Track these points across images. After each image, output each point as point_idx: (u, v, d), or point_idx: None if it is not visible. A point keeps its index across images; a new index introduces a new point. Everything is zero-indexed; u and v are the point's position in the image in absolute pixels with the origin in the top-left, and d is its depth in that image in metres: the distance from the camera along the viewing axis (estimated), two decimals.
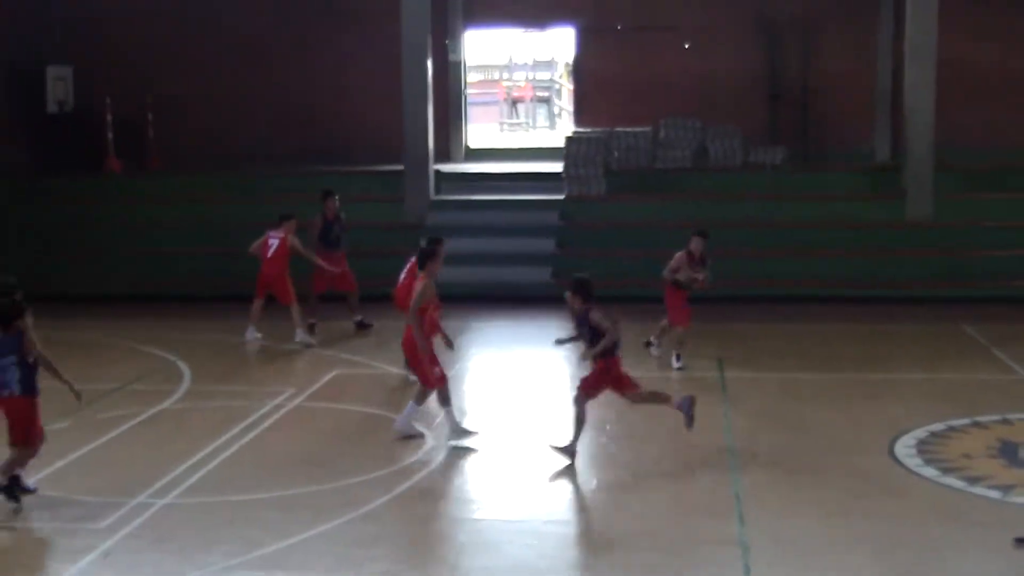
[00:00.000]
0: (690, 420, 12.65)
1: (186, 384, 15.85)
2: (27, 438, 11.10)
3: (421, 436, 13.20)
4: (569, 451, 12.41)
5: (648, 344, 16.90)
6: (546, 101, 40.05)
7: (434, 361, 13.18)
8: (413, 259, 16.07)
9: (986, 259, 21.54)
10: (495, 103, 40.25)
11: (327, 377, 16.20)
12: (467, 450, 12.91)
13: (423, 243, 16.30)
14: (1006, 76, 25.56)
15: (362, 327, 18.90)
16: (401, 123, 22.85)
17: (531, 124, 38.99)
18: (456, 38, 27.32)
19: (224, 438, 13.27)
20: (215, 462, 12.49)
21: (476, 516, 11.20)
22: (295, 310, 18.21)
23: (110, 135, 25.79)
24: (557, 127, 37.18)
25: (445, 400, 13.25)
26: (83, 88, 26.27)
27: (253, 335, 18.43)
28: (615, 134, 24.35)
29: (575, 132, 25.56)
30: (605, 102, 26.82)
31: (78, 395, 11.24)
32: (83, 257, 23.23)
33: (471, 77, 31.89)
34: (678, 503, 11.26)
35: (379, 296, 18.38)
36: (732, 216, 22.61)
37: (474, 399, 15.53)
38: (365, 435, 13.50)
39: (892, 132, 25.55)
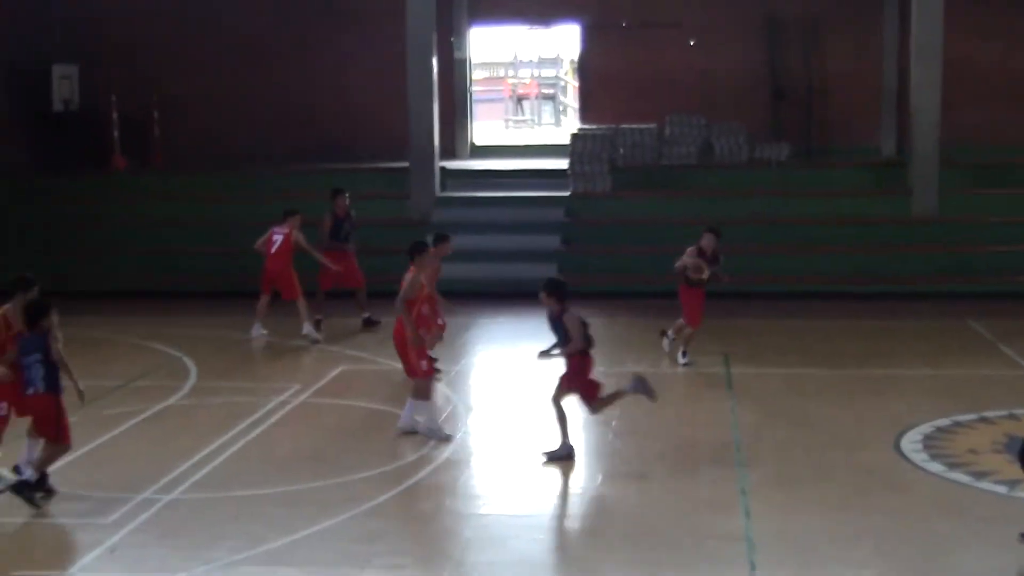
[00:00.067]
0: (651, 393, 12.64)
1: (191, 380, 15.87)
2: (58, 434, 11.14)
3: (448, 436, 13.17)
4: (564, 453, 12.39)
5: (663, 333, 16.81)
6: (551, 98, 40.06)
7: (422, 354, 13.19)
8: None
9: (991, 255, 21.53)
10: (500, 100, 40.28)
11: (333, 373, 16.21)
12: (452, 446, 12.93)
13: (430, 239, 16.35)
14: (1010, 74, 25.54)
15: (369, 324, 18.91)
16: (406, 120, 22.85)
17: (536, 121, 39.00)
18: (461, 35, 27.33)
19: (230, 434, 13.28)
20: (220, 458, 12.51)
21: (481, 511, 11.20)
22: (301, 304, 18.23)
23: (115, 133, 25.80)
24: (562, 124, 37.17)
25: (424, 396, 13.23)
26: (88, 87, 26.30)
27: (259, 331, 18.45)
28: (620, 131, 24.35)
29: (580, 129, 25.55)
30: (610, 99, 26.82)
31: (81, 395, 11.25)
32: (88, 254, 23.27)
33: (476, 74, 31.88)
34: (683, 498, 11.25)
35: (385, 293, 18.37)
36: (737, 212, 22.60)
37: (479, 395, 15.54)
38: (370, 431, 13.51)
39: (897, 129, 25.54)
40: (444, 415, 14.03)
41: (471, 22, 27.65)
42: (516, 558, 10.02)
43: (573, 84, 35.33)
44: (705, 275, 16.10)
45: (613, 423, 13.77)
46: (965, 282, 20.98)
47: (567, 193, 23.51)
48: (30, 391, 11.04)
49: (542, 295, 12.44)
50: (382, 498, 11.32)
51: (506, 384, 16.14)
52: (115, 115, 25.80)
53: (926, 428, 13.22)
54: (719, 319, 18.46)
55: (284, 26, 27.12)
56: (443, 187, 23.69)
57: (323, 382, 15.74)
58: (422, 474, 12.00)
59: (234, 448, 12.85)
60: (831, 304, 20.52)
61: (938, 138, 22.00)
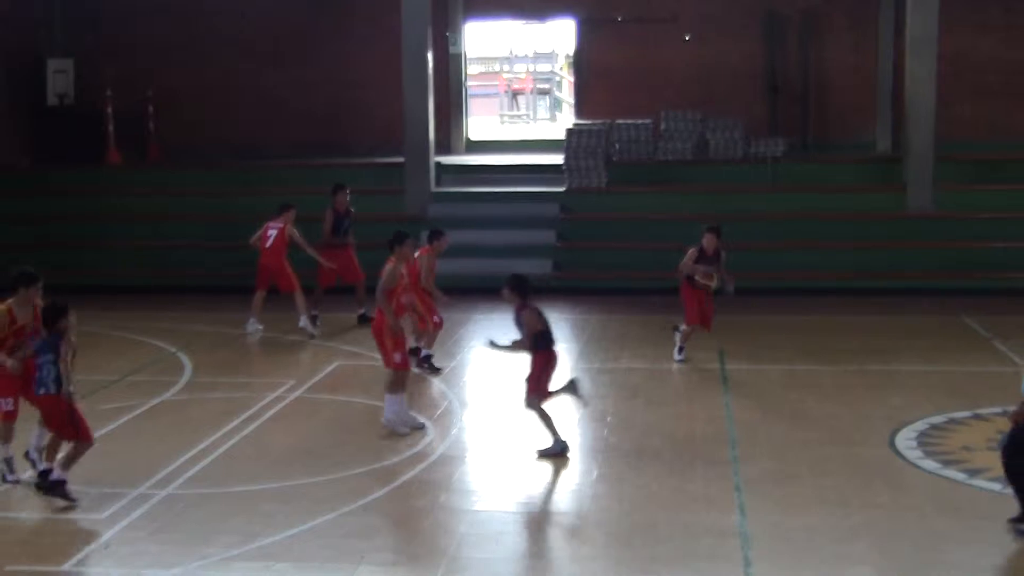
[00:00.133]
0: (582, 398, 12.72)
1: (186, 375, 15.87)
2: (78, 432, 11.14)
3: (407, 432, 13.16)
4: (558, 449, 12.39)
5: (676, 328, 16.69)
6: (547, 93, 40.03)
7: (399, 346, 13.18)
8: (417, 253, 16.14)
9: (987, 251, 21.53)
10: (496, 95, 40.23)
11: (328, 369, 16.21)
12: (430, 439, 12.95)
13: (425, 235, 16.37)
14: (1006, 68, 25.53)
15: (365, 320, 18.90)
16: (401, 115, 22.84)
17: (532, 116, 38.97)
18: (457, 30, 27.30)
19: (225, 430, 13.27)
20: (215, 453, 12.50)
21: (476, 507, 11.19)
22: (299, 297, 18.24)
23: (110, 128, 25.77)
24: (558, 119, 37.16)
25: (393, 389, 13.24)
26: (83, 81, 26.26)
27: (254, 327, 18.45)
28: (616, 126, 24.34)
29: (576, 124, 25.53)
30: (606, 94, 26.81)
31: (70, 396, 11.22)
32: (82, 248, 23.27)
33: (472, 69, 31.86)
34: (679, 495, 11.25)
35: (370, 288, 18.38)
36: (732, 208, 22.60)
37: (474, 390, 15.53)
38: (366, 427, 13.50)
39: (893, 124, 25.53)
40: (439, 411, 14.03)
41: (466, 17, 27.63)
42: (511, 554, 10.03)
43: (568, 79, 35.31)
44: (714, 284, 16.03)
45: (608, 419, 13.78)
46: (960, 278, 20.98)
47: (562, 188, 23.51)
48: (40, 391, 11.07)
49: (504, 291, 12.48)
50: (377, 494, 11.32)
51: (501, 380, 16.13)
52: (110, 110, 25.76)
53: (921, 425, 13.24)
54: (715, 315, 18.45)
55: (280, 21, 27.09)
56: (438, 182, 23.67)
57: (318, 378, 15.74)
58: (417, 470, 11.99)
59: (229, 444, 12.85)
60: (826, 300, 20.53)
61: (933, 132, 21.99)
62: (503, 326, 19.57)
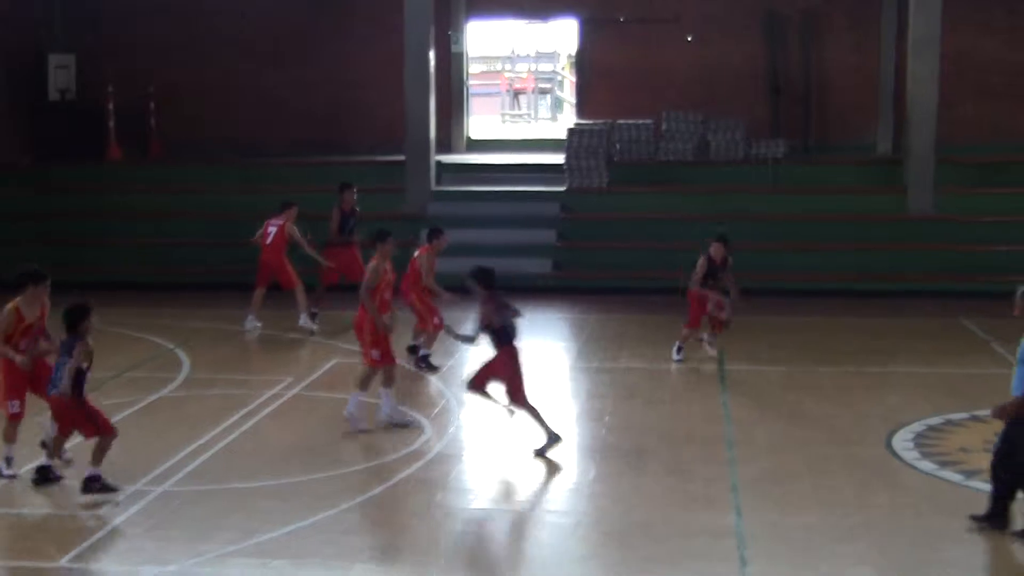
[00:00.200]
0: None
1: (185, 372, 15.87)
2: (98, 428, 11.18)
3: (367, 430, 13.15)
4: (551, 443, 12.38)
5: (700, 341, 16.61)
6: (548, 92, 40.01)
7: (377, 343, 13.19)
8: (417, 252, 16.14)
9: (987, 253, 21.51)
10: (497, 94, 40.20)
11: (326, 366, 16.21)
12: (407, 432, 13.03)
13: (424, 233, 16.38)
14: (1009, 70, 25.49)
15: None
16: (402, 114, 22.84)
17: (533, 115, 38.95)
18: (459, 29, 27.29)
19: (222, 426, 13.28)
20: (213, 450, 12.51)
21: (473, 506, 11.20)
22: (300, 293, 18.23)
23: (111, 124, 25.76)
24: (559, 119, 37.14)
25: (363, 385, 13.25)
26: (85, 76, 26.25)
27: (253, 323, 18.45)
28: (617, 126, 24.33)
29: (577, 124, 25.52)
30: (607, 94, 26.79)
31: (61, 395, 11.25)
32: (82, 244, 23.27)
33: (473, 68, 31.83)
34: (676, 494, 11.26)
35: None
36: (733, 209, 22.59)
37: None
38: None
39: (894, 125, 25.50)
40: (437, 409, 14.04)
41: (469, 16, 27.62)
42: (507, 552, 10.04)
43: (570, 79, 35.29)
44: (725, 316, 15.98)
45: (606, 418, 13.79)
46: (959, 280, 20.96)
47: (563, 188, 23.50)
48: (52, 391, 11.12)
49: (469, 282, 12.55)
50: (374, 491, 11.34)
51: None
52: (111, 105, 25.75)
53: (918, 426, 13.24)
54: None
55: (281, 18, 27.07)
56: (439, 181, 23.67)
57: (316, 375, 15.74)
58: (414, 468, 12.00)
59: (226, 440, 12.86)
60: (825, 301, 20.52)
61: (935, 133, 21.96)
62: None
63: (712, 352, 16.37)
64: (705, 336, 16.46)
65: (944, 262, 21.55)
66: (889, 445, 12.62)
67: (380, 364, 13.28)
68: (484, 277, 12.53)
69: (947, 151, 22.52)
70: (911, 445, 12.61)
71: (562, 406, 14.75)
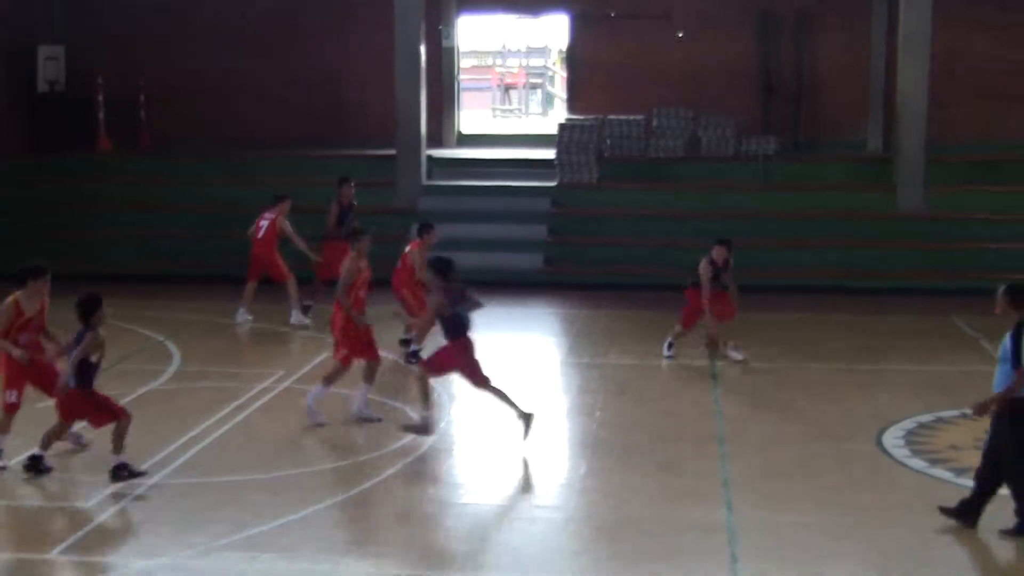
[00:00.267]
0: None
1: (175, 365, 15.84)
2: (113, 415, 11.23)
3: (323, 424, 13.13)
4: (527, 422, 12.37)
5: (730, 348, 16.30)
6: (539, 88, 40.00)
7: (346, 343, 13.18)
8: (408, 247, 16.11)
9: (977, 252, 21.55)
10: (488, 89, 40.18)
11: (317, 360, 16.17)
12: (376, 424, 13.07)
13: (415, 228, 16.37)
14: (999, 69, 25.50)
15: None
16: (393, 108, 22.82)
17: (524, 110, 38.94)
18: (450, 24, 27.26)
19: (212, 419, 13.26)
20: (203, 443, 12.49)
21: (464, 500, 11.21)
22: (292, 287, 18.19)
23: (101, 115, 25.69)
24: (550, 114, 37.13)
25: (327, 381, 13.25)
26: (74, 68, 26.17)
27: (244, 316, 18.42)
28: (608, 122, 24.34)
29: (568, 119, 25.52)
30: (598, 89, 26.78)
31: (65, 388, 11.29)
32: (72, 236, 23.18)
33: (464, 63, 31.80)
34: (666, 490, 11.28)
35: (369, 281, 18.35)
36: (723, 206, 22.63)
37: (463, 384, 15.50)
38: (354, 418, 13.47)
39: (884, 124, 25.55)
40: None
41: (460, 10, 27.59)
42: (498, 547, 10.04)
43: (561, 74, 35.28)
44: (716, 338, 15.93)
45: (597, 414, 13.80)
46: (949, 278, 21.00)
47: (553, 183, 23.50)
48: (60, 382, 11.18)
49: (428, 272, 12.61)
50: (365, 486, 11.33)
51: (489, 374, 16.11)
52: (101, 97, 25.67)
53: (908, 424, 13.27)
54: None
55: (272, 11, 27.01)
56: (429, 175, 23.65)
57: (307, 368, 15.71)
58: (405, 462, 11.99)
59: (217, 433, 12.84)
60: (815, 298, 20.53)
61: (924, 131, 21.99)
62: (492, 318, 19.64)
63: (739, 356, 16.04)
64: (731, 344, 16.16)
65: (934, 260, 21.61)
66: (880, 442, 12.65)
67: (349, 362, 13.27)
68: (441, 267, 12.54)
69: (937, 150, 22.56)
70: (902, 442, 12.64)
71: (553, 401, 14.76)
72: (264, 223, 18.31)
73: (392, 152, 23.19)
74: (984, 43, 25.30)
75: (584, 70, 27.36)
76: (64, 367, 11.39)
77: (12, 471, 11.50)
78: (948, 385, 14.94)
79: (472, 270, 21.18)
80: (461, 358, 12.45)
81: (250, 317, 18.40)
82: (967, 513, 10.19)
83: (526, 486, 11.60)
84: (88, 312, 11.18)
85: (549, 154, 23.88)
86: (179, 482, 11.31)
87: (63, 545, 9.88)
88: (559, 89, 36.71)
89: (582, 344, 17.70)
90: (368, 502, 11.07)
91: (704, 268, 15.79)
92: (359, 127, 26.17)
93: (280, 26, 26.90)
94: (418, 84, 22.57)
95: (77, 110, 25.83)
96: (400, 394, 14.31)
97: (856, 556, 9.76)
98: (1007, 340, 10.08)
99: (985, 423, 10.36)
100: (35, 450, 11.45)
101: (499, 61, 40.66)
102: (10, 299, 11.63)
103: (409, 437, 12.68)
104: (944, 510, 10.29)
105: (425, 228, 16.27)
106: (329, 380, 13.28)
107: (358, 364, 13.44)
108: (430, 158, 23.79)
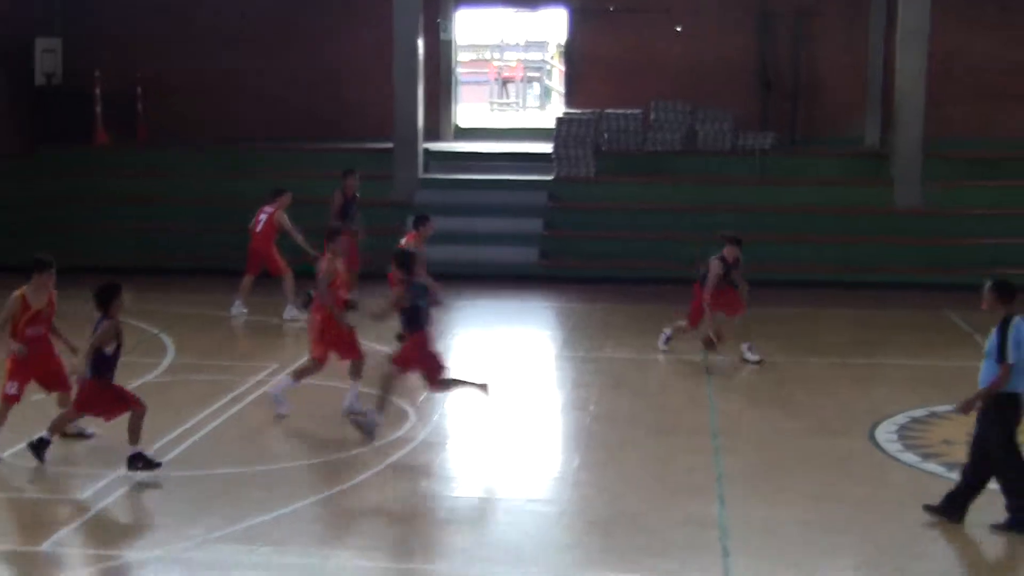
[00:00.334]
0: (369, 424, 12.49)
1: (170, 357, 15.84)
2: (127, 406, 11.23)
3: (285, 415, 13.12)
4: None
5: (745, 348, 16.06)
6: (537, 81, 40.00)
7: (318, 347, 13.18)
8: (404, 239, 16.10)
9: (973, 247, 21.56)
10: (486, 83, 40.17)
11: None
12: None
13: (411, 220, 16.36)
14: (997, 66, 25.46)
15: (353, 307, 18.81)
16: (391, 101, 22.80)
17: (521, 104, 38.93)
18: (448, 17, 27.24)
19: (207, 412, 13.27)
20: (198, 435, 12.50)
21: (457, 494, 11.22)
22: (288, 281, 18.16)
23: (98, 108, 25.66)
24: (547, 108, 37.12)
25: (298, 376, 13.25)
26: (72, 61, 26.14)
27: (239, 310, 18.42)
28: (605, 116, 24.33)
29: (565, 113, 25.51)
30: (596, 83, 26.75)
31: (76, 377, 11.36)
32: (67, 229, 23.14)
33: (462, 56, 31.78)
34: (660, 484, 11.29)
35: (364, 274, 18.38)
36: (720, 200, 22.64)
37: (457, 377, 15.52)
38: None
39: (882, 120, 25.53)
40: (421, 398, 14.02)
41: (458, 4, 27.56)
42: (491, 541, 10.05)
43: (559, 68, 35.26)
44: (715, 340, 15.77)
45: (591, 407, 13.81)
46: (945, 273, 21.01)
47: (551, 177, 23.50)
48: (78, 371, 11.20)
49: (392, 268, 12.60)
50: (358, 479, 11.34)
51: (484, 367, 16.14)
52: (98, 90, 25.64)
53: (902, 418, 13.29)
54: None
55: (271, 8, 26.96)
56: (426, 169, 23.64)
57: (302, 362, 15.67)
58: (398, 456, 12.00)
59: (212, 426, 12.85)
60: (811, 292, 20.55)
61: (922, 128, 22.01)
62: (489, 313, 19.71)
63: (754, 358, 15.83)
64: (746, 344, 15.97)
65: (930, 255, 21.62)
66: (873, 437, 12.67)
67: (324, 360, 13.27)
68: (403, 260, 12.57)
69: (934, 146, 22.56)
70: (895, 437, 12.66)
71: (547, 395, 14.78)
72: (263, 217, 18.30)
73: (389, 145, 23.19)
74: (983, 42, 25.26)
75: (582, 64, 27.33)
76: (72, 361, 11.37)
77: (6, 463, 11.49)
78: (943, 380, 14.93)
79: (468, 263, 21.37)
80: (417, 354, 12.42)
81: (245, 310, 18.39)
82: (952, 509, 10.20)
83: (520, 480, 11.59)
84: (106, 300, 11.11)
85: (546, 148, 23.87)
86: (174, 475, 11.30)
87: (57, 536, 9.89)
88: (557, 83, 36.70)
89: (578, 338, 17.71)
90: (361, 495, 11.07)
91: (715, 267, 15.68)
92: (355, 119, 26.09)
93: (279, 23, 26.82)
94: (415, 77, 22.56)
95: (74, 103, 25.79)
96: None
97: (849, 551, 9.79)
98: (993, 335, 10.11)
99: None
100: (44, 433, 11.42)
101: (497, 55, 40.65)
102: (16, 293, 11.70)
103: (402, 431, 12.69)
104: (929, 508, 10.30)
105: (421, 220, 16.26)
106: (299, 375, 13.28)
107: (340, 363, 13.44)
108: (427, 152, 23.79)
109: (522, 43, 39.85)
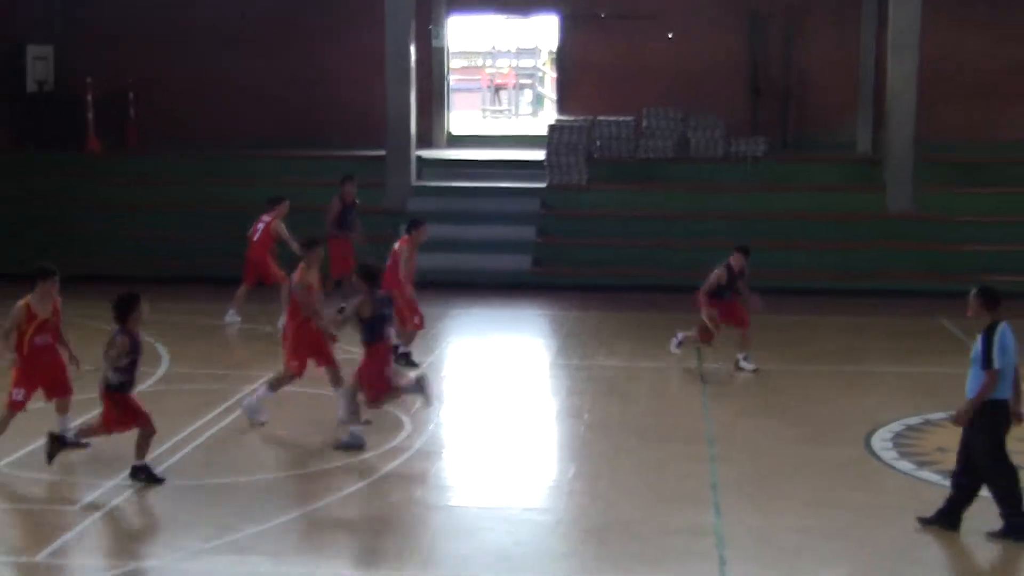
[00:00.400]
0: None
1: (164, 366, 15.81)
2: (135, 422, 11.20)
3: (264, 423, 13.10)
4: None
5: (741, 357, 16.04)
6: (529, 88, 39.99)
7: (294, 356, 13.15)
8: (396, 246, 16.05)
9: (966, 253, 21.59)
10: (478, 90, 40.16)
11: None
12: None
13: (403, 227, 16.31)
14: (989, 70, 25.52)
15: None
16: (383, 108, 22.79)
17: (514, 111, 38.93)
18: (440, 24, 27.24)
19: (201, 421, 13.23)
20: (191, 445, 12.46)
21: (452, 503, 11.21)
22: (284, 290, 18.06)
23: (90, 115, 25.61)
24: (539, 115, 37.12)
25: (273, 386, 13.23)
26: (64, 67, 26.11)
27: (233, 318, 18.37)
28: (598, 123, 24.35)
29: (558, 120, 25.53)
30: (588, 90, 26.79)
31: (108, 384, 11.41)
32: (60, 236, 23.08)
33: (454, 63, 31.74)
34: (655, 492, 11.28)
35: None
36: (712, 207, 22.67)
37: (451, 385, 15.52)
38: None
39: (874, 123, 25.57)
40: (416, 406, 13.99)
41: (450, 11, 27.57)
42: (486, 550, 10.02)
43: (551, 75, 35.27)
44: (716, 328, 15.71)
45: (585, 416, 13.80)
46: (938, 280, 21.02)
47: (543, 184, 23.50)
48: (101, 386, 11.20)
49: (354, 277, 12.60)
50: (352, 488, 11.32)
51: (478, 375, 16.14)
52: (90, 97, 25.60)
53: (896, 426, 13.30)
54: (693, 314, 18.46)
55: (268, 8, 26.96)
56: (419, 176, 23.64)
57: (278, 372, 15.63)
58: (392, 465, 11.98)
59: (205, 436, 12.82)
60: (804, 299, 20.53)
61: (913, 131, 22.02)
62: (482, 320, 19.68)
63: (750, 367, 15.79)
64: (742, 355, 15.91)
65: (923, 261, 21.65)
66: (868, 445, 12.67)
67: (301, 370, 13.24)
68: (367, 274, 12.52)
69: (926, 149, 22.59)
70: (890, 445, 12.66)
71: (542, 403, 14.76)
72: (260, 225, 18.24)
73: (381, 152, 23.17)
74: (974, 42, 25.31)
75: (574, 70, 27.36)
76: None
77: (1, 472, 11.46)
78: (936, 387, 14.91)
79: (461, 271, 21.36)
80: (371, 367, 12.36)
81: (238, 319, 18.35)
82: (946, 520, 10.19)
83: (515, 488, 11.57)
84: (123, 313, 11.07)
85: (539, 155, 23.88)
86: (168, 484, 11.26)
87: (50, 548, 9.84)
88: (549, 90, 36.69)
89: (571, 345, 17.70)
90: (357, 504, 11.05)
91: (718, 275, 15.63)
92: (348, 126, 26.06)
93: (270, 26, 26.84)
94: (408, 84, 22.56)
95: (66, 110, 25.76)
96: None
97: (845, 559, 9.78)
98: (978, 342, 10.13)
99: None
100: (73, 433, 11.36)
101: (489, 62, 40.65)
102: (21, 303, 11.76)
103: (397, 439, 12.68)
104: (923, 520, 10.28)
105: (414, 225, 16.13)
106: (275, 385, 13.25)
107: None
108: (419, 159, 23.78)
109: (514, 50, 39.85)
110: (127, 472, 11.38)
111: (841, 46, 26.17)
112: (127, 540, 10.14)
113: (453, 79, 30.03)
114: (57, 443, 11.43)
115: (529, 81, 39.96)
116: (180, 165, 24.81)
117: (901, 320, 19.31)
